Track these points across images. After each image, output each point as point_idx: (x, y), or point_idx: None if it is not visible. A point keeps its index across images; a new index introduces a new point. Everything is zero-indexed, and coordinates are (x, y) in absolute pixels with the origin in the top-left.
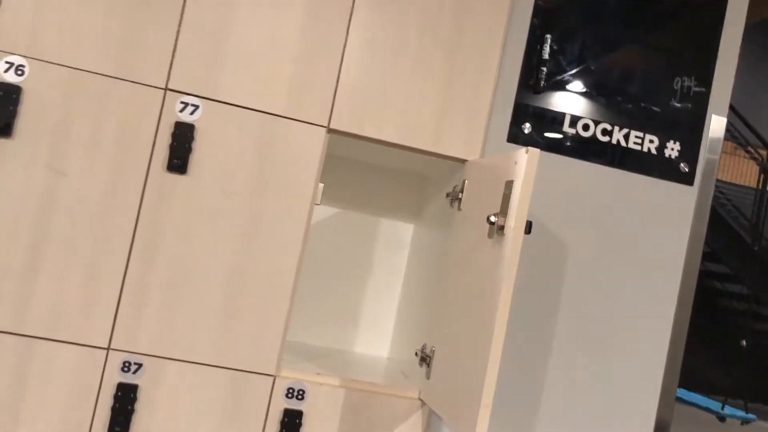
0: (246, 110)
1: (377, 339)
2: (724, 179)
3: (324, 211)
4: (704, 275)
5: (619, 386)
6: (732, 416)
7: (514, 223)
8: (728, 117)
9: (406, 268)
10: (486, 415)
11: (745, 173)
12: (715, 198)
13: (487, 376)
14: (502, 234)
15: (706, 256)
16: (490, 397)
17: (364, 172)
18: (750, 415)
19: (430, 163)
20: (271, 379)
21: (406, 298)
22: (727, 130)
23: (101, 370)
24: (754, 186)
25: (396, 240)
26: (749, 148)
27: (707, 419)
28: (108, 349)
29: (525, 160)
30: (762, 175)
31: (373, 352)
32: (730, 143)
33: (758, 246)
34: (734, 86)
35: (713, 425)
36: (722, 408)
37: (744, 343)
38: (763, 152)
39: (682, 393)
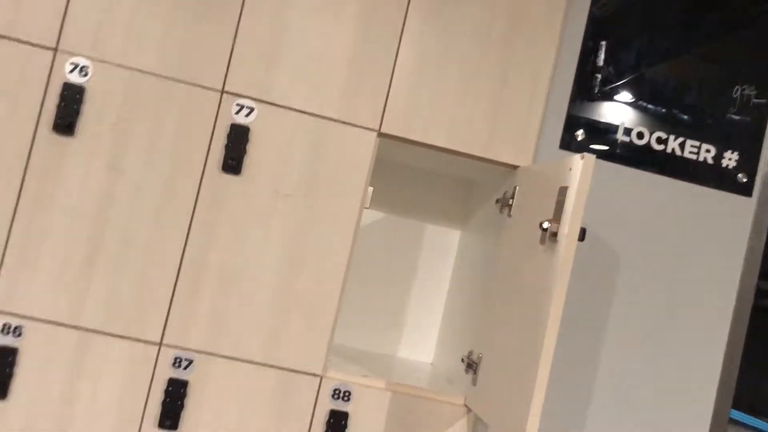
0: (299, 113)
1: (421, 344)
2: None
3: (372, 215)
4: (761, 294)
5: (669, 404)
6: None
7: (568, 229)
8: None
9: (452, 275)
10: (535, 424)
11: None
12: None
13: (537, 385)
14: (555, 240)
15: (765, 275)
16: (539, 406)
17: (413, 177)
18: None
19: (479, 169)
20: (318, 379)
21: (451, 305)
22: None
23: (153, 365)
24: None
25: (442, 246)
26: None
27: None
28: (160, 344)
29: (580, 166)
30: None
31: (417, 358)
32: None
33: None
34: None
35: None
36: None
37: None
38: None
39: (739, 416)
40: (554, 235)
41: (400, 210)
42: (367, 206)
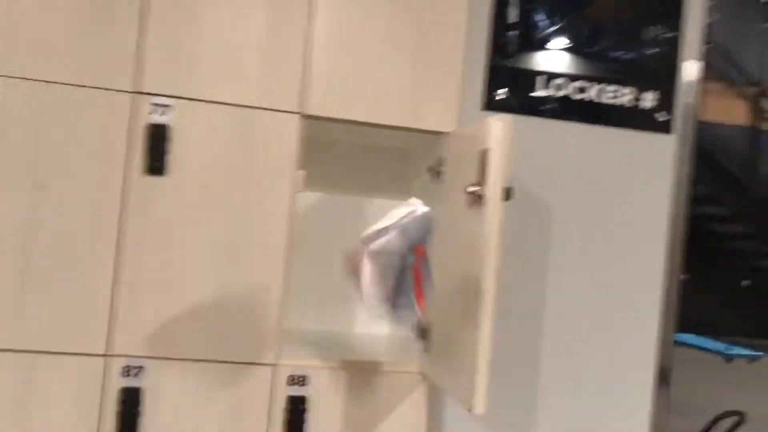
0: (218, 105)
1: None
2: (714, 121)
3: (312, 197)
4: (704, 219)
5: (616, 339)
6: (738, 356)
7: (492, 191)
8: (713, 56)
9: None
10: (483, 382)
11: (735, 113)
12: (708, 141)
13: (481, 344)
14: (482, 203)
15: (704, 200)
16: (485, 364)
17: (349, 153)
18: (757, 353)
19: (411, 138)
20: (271, 368)
21: None
22: (714, 69)
23: (102, 377)
24: (746, 124)
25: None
26: (736, 87)
27: (714, 361)
28: (107, 355)
29: (498, 128)
30: (752, 113)
31: (373, 331)
32: (717, 84)
33: (753, 184)
34: (717, 23)
35: (719, 366)
36: (727, 349)
37: (745, 282)
38: (752, 89)
39: (688, 338)
40: (480, 198)
41: (341, 188)
42: (300, 190)
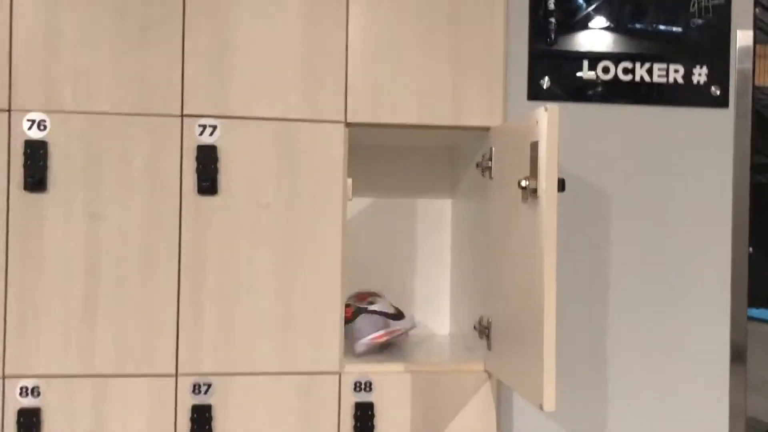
0: (263, 121)
1: (435, 318)
2: None
3: (360, 203)
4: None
5: (686, 319)
6: None
7: (546, 184)
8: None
9: (452, 244)
10: (551, 378)
11: None
12: (765, 106)
13: (546, 339)
14: (536, 197)
15: (766, 168)
16: (552, 360)
17: (394, 156)
18: None
19: (456, 135)
20: (337, 376)
21: (456, 274)
22: (765, 32)
23: (174, 396)
24: None
25: (436, 218)
26: None
27: None
28: (176, 375)
29: (545, 118)
30: None
31: (434, 332)
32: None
33: None
34: None
35: None
36: None
37: None
38: None
39: (763, 313)
40: (534, 191)
41: (388, 191)
42: (350, 198)
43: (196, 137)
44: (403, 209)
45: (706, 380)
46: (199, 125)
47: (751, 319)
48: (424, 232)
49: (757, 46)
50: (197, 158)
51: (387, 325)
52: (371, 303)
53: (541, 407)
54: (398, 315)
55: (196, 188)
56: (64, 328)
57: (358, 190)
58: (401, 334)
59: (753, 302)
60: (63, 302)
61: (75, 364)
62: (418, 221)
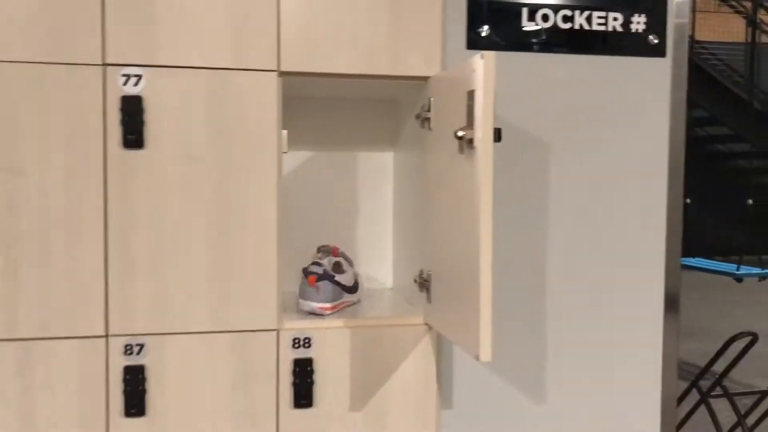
0: (191, 70)
1: (379, 272)
2: (712, 40)
3: (299, 157)
4: (706, 140)
5: (621, 266)
6: (748, 274)
7: (482, 133)
8: None
9: (394, 197)
10: (487, 329)
11: (733, 30)
12: (706, 60)
13: (482, 290)
14: (472, 147)
15: (706, 121)
16: (488, 311)
17: (334, 108)
18: (766, 270)
19: (396, 86)
20: (275, 333)
21: (399, 227)
22: None
23: (105, 358)
24: (744, 41)
25: (378, 171)
26: (732, 2)
27: (726, 282)
28: (106, 336)
29: (482, 65)
30: (749, 28)
31: (377, 286)
32: (712, 1)
33: (756, 100)
34: None
35: (732, 287)
36: (737, 269)
37: (750, 201)
38: (748, 4)
39: (698, 262)
40: (470, 141)
41: (329, 144)
42: (286, 150)
43: (120, 87)
44: (344, 162)
45: (640, 327)
46: (123, 75)
47: (689, 267)
48: (366, 185)
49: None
50: (122, 110)
51: (339, 297)
52: (339, 269)
53: (477, 357)
54: (354, 287)
55: (121, 142)
56: None
57: (297, 143)
58: (347, 306)
59: (691, 251)
60: None
61: None
62: (360, 174)
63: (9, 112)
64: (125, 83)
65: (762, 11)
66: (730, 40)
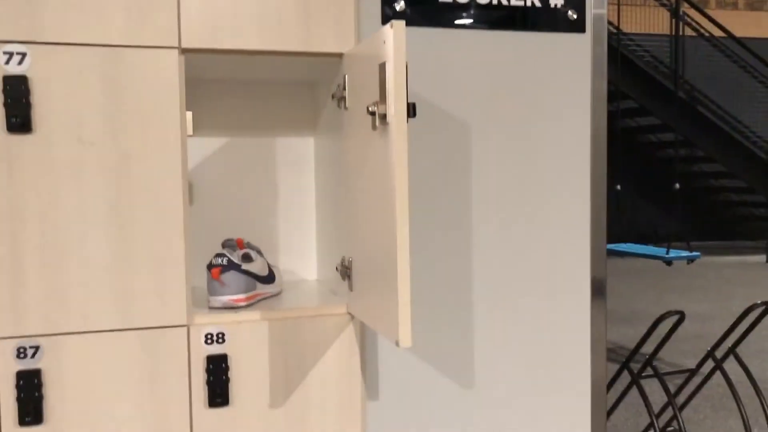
0: (82, 47)
1: (302, 263)
2: (638, 32)
3: (213, 143)
4: (636, 131)
5: (547, 253)
6: (677, 258)
7: (395, 108)
8: None
9: (315, 183)
10: (406, 313)
11: (658, 22)
12: (632, 51)
13: (400, 274)
14: (386, 123)
15: (635, 112)
16: (406, 294)
17: (250, 91)
18: (694, 254)
19: (310, 66)
20: (185, 329)
21: (321, 215)
22: None
23: None
24: (668, 33)
25: (297, 156)
26: None
27: (656, 266)
28: None
29: (392, 35)
30: (673, 20)
31: (301, 277)
32: None
33: (681, 90)
34: None
35: (662, 271)
36: (667, 253)
37: (677, 186)
38: None
39: (630, 247)
40: (383, 117)
41: (246, 130)
42: (191, 133)
43: (2, 66)
44: (262, 148)
45: (567, 312)
46: (4, 52)
47: (621, 253)
48: (285, 172)
49: None
50: (4, 91)
51: (253, 288)
52: (247, 259)
53: (397, 343)
54: (269, 277)
55: (4, 125)
56: None
57: (210, 129)
58: (265, 298)
59: (622, 237)
60: None
61: None
62: (279, 161)
63: None
64: (7, 62)
65: (685, 4)
66: (656, 32)
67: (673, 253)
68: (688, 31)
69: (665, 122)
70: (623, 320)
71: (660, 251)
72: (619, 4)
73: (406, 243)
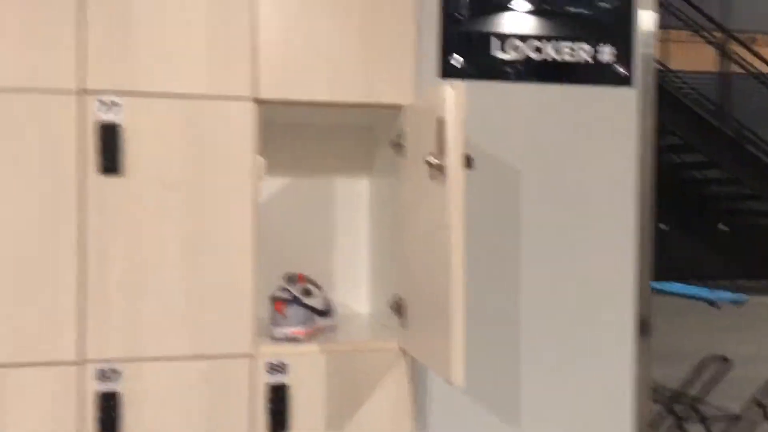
0: (168, 98)
1: (356, 298)
2: (685, 69)
3: (276, 183)
4: (682, 167)
5: (593, 294)
6: (722, 299)
7: (452, 160)
8: (678, 3)
9: (370, 223)
10: (460, 353)
11: (705, 59)
12: (679, 89)
13: (454, 315)
14: (443, 173)
15: (681, 148)
16: (460, 336)
17: (311, 134)
18: (741, 296)
19: (371, 113)
20: (249, 359)
21: (374, 253)
22: (680, 18)
23: (78, 385)
24: (715, 70)
25: (354, 197)
26: (704, 33)
27: (702, 304)
28: (80, 362)
29: (452, 95)
30: (720, 58)
31: (354, 311)
32: (684, 32)
33: (728, 128)
34: None
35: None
36: (712, 294)
37: (721, 225)
38: (719, 34)
39: (674, 287)
40: (441, 168)
41: (306, 171)
42: (262, 177)
43: (97, 114)
44: (321, 189)
45: (612, 351)
46: (99, 101)
47: (665, 292)
48: (342, 211)
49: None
50: (99, 137)
51: (312, 321)
52: (307, 293)
53: (450, 381)
54: (327, 311)
55: (99, 168)
56: None
57: (275, 169)
58: (323, 331)
59: (666, 277)
60: None
61: None
62: (337, 201)
63: None
64: (103, 110)
65: (732, 41)
66: (703, 70)
67: (718, 294)
68: (736, 68)
69: (712, 159)
70: (666, 359)
71: (705, 292)
72: (666, 42)
73: (461, 286)
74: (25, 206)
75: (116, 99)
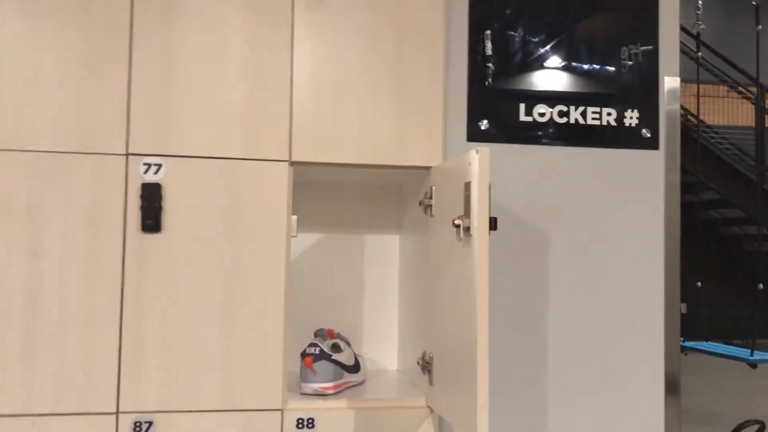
0: (206, 159)
1: (384, 354)
2: (722, 124)
3: (307, 239)
4: (721, 222)
5: (621, 353)
6: (762, 361)
7: (478, 222)
8: (712, 60)
9: (399, 279)
10: (484, 415)
11: (742, 114)
12: (716, 144)
13: (479, 376)
14: (469, 235)
15: (718, 204)
16: (485, 396)
17: (341, 191)
18: None
19: (400, 174)
20: (279, 413)
21: (403, 309)
22: (714, 74)
23: None
24: (751, 125)
25: (384, 253)
26: (740, 88)
27: (740, 367)
28: (117, 413)
29: (477, 159)
30: (757, 113)
31: (382, 367)
32: (722, 87)
33: (766, 183)
34: (713, 24)
35: (746, 372)
36: (751, 354)
37: (761, 286)
38: (754, 89)
39: (711, 346)
40: (467, 230)
41: (336, 227)
42: (294, 235)
43: (141, 175)
44: (351, 245)
45: (642, 412)
46: (144, 164)
47: (702, 351)
48: (372, 267)
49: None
50: (142, 196)
51: (341, 377)
52: (336, 349)
53: None
54: (355, 366)
55: (140, 226)
56: (0, 366)
57: (306, 225)
58: (351, 387)
59: (703, 335)
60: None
61: (11, 403)
62: (366, 257)
63: (36, 199)
64: (146, 171)
65: None
66: (740, 124)
67: (757, 355)
68: None
69: (749, 214)
70: (702, 421)
71: (744, 353)
72: (702, 97)
73: (485, 348)
74: (71, 261)
75: (159, 161)
